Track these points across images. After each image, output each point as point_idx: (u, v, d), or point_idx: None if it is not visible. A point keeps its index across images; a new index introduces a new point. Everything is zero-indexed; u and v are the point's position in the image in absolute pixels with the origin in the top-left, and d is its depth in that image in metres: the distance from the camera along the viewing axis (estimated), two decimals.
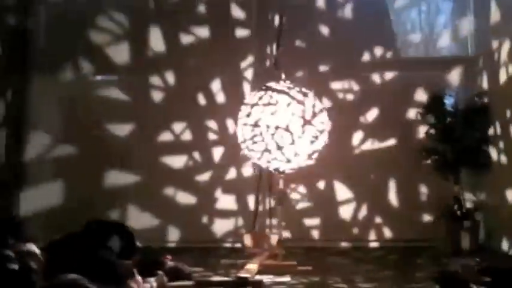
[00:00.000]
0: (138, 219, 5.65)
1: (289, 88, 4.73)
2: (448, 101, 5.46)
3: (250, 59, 6.02)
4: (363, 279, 4.26)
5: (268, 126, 4.59)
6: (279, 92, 4.70)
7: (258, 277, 4.19)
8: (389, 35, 6.04)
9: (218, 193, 5.89)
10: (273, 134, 4.58)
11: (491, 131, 5.42)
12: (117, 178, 5.83)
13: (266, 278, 4.21)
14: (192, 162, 5.93)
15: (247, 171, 5.84)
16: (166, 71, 5.99)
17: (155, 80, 5.99)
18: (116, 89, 5.96)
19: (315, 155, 4.73)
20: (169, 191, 5.86)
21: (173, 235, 5.83)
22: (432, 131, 5.47)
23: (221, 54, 5.98)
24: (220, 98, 5.99)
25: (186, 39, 6.05)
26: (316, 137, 4.66)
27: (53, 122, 5.93)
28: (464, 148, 5.35)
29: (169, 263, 4.26)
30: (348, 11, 6.05)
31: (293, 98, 4.67)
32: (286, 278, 4.25)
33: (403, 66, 5.99)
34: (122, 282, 3.77)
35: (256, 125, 4.63)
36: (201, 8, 6.07)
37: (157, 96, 5.99)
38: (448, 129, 5.40)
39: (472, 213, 5.38)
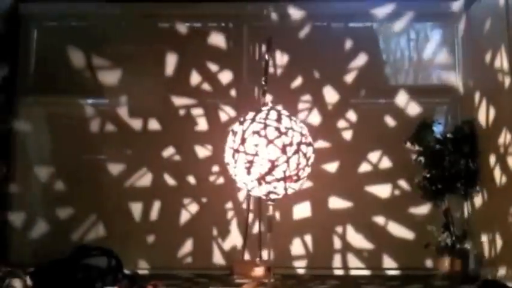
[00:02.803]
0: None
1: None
2: (437, 129, 5.49)
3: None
4: None
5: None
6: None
7: None
8: (378, 62, 6.09)
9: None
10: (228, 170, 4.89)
11: (479, 159, 5.44)
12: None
13: None
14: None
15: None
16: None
17: None
18: None
19: (273, 178, 4.64)
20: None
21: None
22: (421, 158, 5.50)
23: None
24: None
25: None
26: (251, 162, 4.61)
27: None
28: (452, 175, 5.37)
29: None
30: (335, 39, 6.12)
31: (232, 130, 4.85)
32: None
33: (391, 94, 6.04)
34: None
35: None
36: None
37: None
38: (436, 156, 5.43)
39: (461, 241, 5.38)
